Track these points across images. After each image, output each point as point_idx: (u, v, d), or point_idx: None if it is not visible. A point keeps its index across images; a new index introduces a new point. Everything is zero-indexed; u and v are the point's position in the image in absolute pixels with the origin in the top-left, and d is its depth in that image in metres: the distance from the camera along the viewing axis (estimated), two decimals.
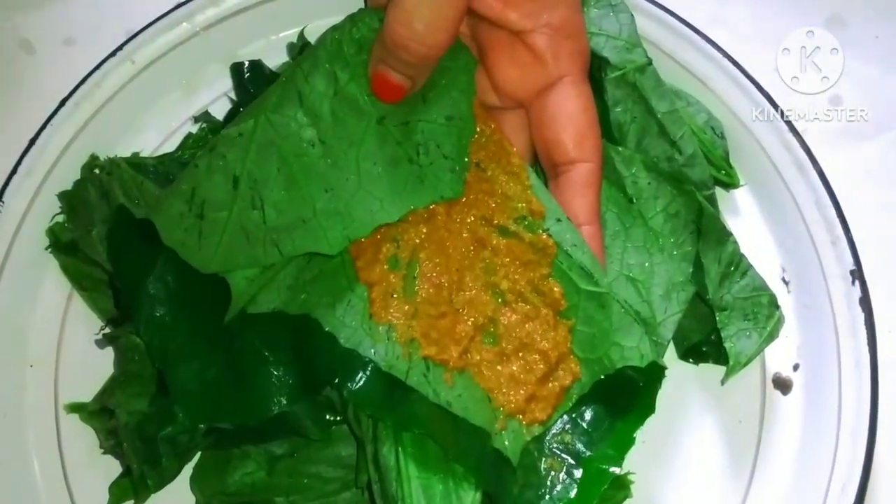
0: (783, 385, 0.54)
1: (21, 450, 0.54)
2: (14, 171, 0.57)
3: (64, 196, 0.57)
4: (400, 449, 0.44)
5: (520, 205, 0.47)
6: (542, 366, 0.45)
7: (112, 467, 0.52)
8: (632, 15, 0.56)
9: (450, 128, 0.48)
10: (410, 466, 0.43)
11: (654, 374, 0.46)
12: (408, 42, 0.44)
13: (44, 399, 0.55)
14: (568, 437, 0.46)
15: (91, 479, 0.52)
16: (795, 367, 0.54)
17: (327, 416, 0.49)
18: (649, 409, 0.46)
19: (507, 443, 0.45)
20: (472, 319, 0.46)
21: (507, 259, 0.47)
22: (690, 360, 0.54)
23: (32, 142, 0.58)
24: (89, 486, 0.52)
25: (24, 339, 0.56)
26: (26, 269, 0.57)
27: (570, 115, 0.47)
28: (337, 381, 0.45)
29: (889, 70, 0.65)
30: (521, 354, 0.46)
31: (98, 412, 0.52)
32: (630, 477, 0.49)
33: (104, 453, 0.53)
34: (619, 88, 0.54)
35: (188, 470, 0.51)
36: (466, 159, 0.48)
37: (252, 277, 0.46)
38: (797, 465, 0.52)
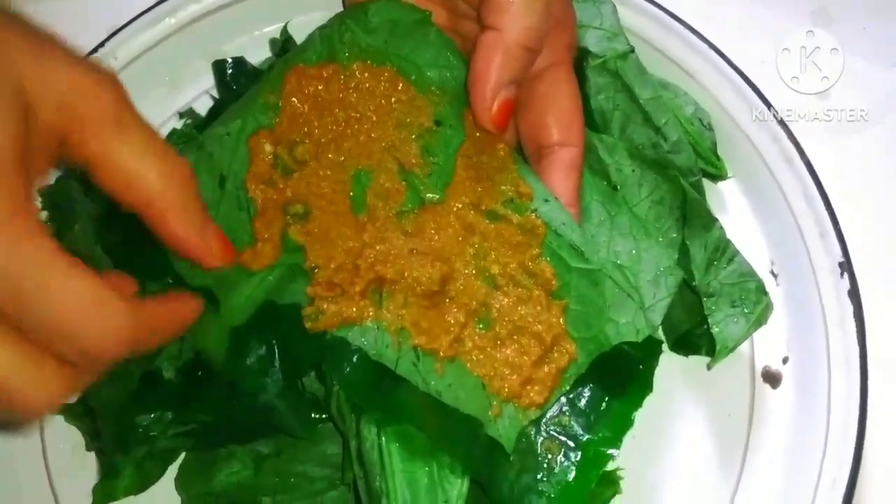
0: (772, 378, 0.54)
1: (5, 451, 0.53)
2: None
3: (45, 193, 0.56)
4: (383, 443, 0.43)
5: (506, 188, 0.47)
6: (537, 348, 0.45)
7: (96, 469, 0.51)
8: (613, 5, 0.56)
9: (437, 132, 0.48)
10: (394, 460, 0.43)
11: (651, 350, 0.46)
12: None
13: None
14: (565, 420, 0.45)
15: (75, 480, 0.52)
16: (785, 361, 0.54)
17: (312, 415, 0.49)
18: (646, 387, 0.46)
19: (501, 429, 0.44)
20: (465, 306, 0.45)
21: (497, 243, 0.46)
22: (680, 352, 0.54)
23: None
24: (73, 488, 0.52)
25: None
26: None
27: (558, 99, 0.48)
28: (324, 368, 0.44)
29: (876, 63, 0.65)
30: (515, 338, 0.45)
31: (82, 413, 0.52)
32: (619, 472, 0.49)
33: (88, 450, 0.52)
34: (601, 76, 0.54)
35: (172, 471, 0.51)
36: (452, 165, 0.47)
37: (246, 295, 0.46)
38: (787, 458, 0.51)
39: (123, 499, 0.50)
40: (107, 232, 0.51)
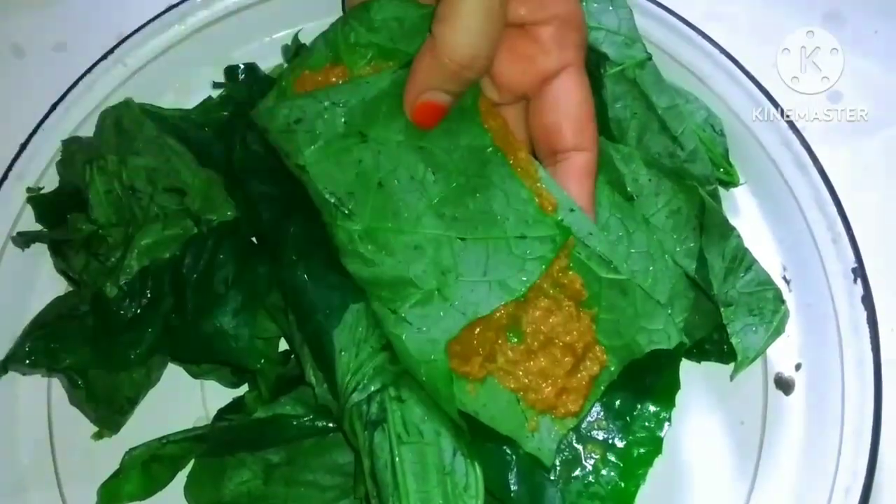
0: (785, 385, 0.54)
1: (15, 456, 0.54)
2: (5, 176, 0.57)
3: (35, 201, 0.57)
4: (397, 462, 0.43)
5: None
6: (569, 358, 0.45)
7: (103, 471, 0.51)
8: (630, 10, 0.56)
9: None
10: (408, 480, 0.43)
11: (676, 350, 0.46)
12: (475, 61, 0.44)
13: (36, 404, 0.55)
14: (603, 423, 0.46)
15: (84, 486, 0.52)
16: (797, 367, 0.54)
17: (323, 423, 0.48)
18: (675, 384, 0.46)
19: (540, 443, 0.44)
20: (495, 322, 0.45)
21: None
22: (694, 358, 0.53)
23: (24, 146, 0.58)
24: (82, 494, 0.52)
25: None
26: (18, 275, 0.57)
27: (571, 103, 0.47)
28: None
29: (888, 66, 0.65)
30: (547, 350, 0.45)
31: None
32: None
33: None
34: (619, 85, 0.53)
35: (182, 478, 0.50)
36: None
37: None
38: (801, 466, 0.51)
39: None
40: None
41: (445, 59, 0.44)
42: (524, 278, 0.44)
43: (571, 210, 0.46)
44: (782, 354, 0.54)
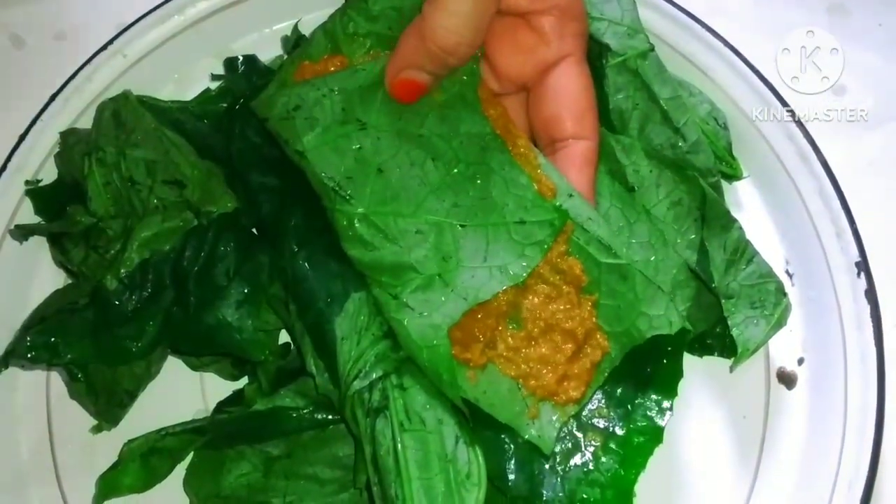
0: (788, 379, 0.53)
1: (14, 452, 0.53)
2: (4, 168, 0.57)
3: (34, 193, 0.57)
4: (399, 449, 0.43)
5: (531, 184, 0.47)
6: (570, 344, 0.45)
7: (102, 464, 0.51)
8: (633, 0, 0.55)
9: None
10: (410, 466, 0.43)
11: (679, 337, 0.46)
12: (458, 48, 0.44)
13: (35, 397, 0.55)
14: (604, 412, 0.46)
15: (83, 480, 0.51)
16: (800, 362, 0.54)
17: (323, 415, 0.48)
18: (678, 373, 0.46)
19: (540, 430, 0.44)
20: (495, 309, 0.45)
21: None
22: (696, 353, 0.53)
23: (22, 138, 0.58)
24: (81, 488, 0.51)
25: None
26: (16, 266, 0.57)
27: (571, 92, 0.48)
28: None
29: (892, 58, 0.65)
30: (548, 336, 0.45)
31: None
32: None
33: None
34: (621, 75, 0.53)
35: (181, 471, 0.50)
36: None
37: None
38: (803, 460, 0.51)
39: (131, 496, 0.50)
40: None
41: (430, 43, 0.44)
42: (524, 263, 0.44)
43: (570, 195, 0.46)
44: (785, 349, 0.54)
